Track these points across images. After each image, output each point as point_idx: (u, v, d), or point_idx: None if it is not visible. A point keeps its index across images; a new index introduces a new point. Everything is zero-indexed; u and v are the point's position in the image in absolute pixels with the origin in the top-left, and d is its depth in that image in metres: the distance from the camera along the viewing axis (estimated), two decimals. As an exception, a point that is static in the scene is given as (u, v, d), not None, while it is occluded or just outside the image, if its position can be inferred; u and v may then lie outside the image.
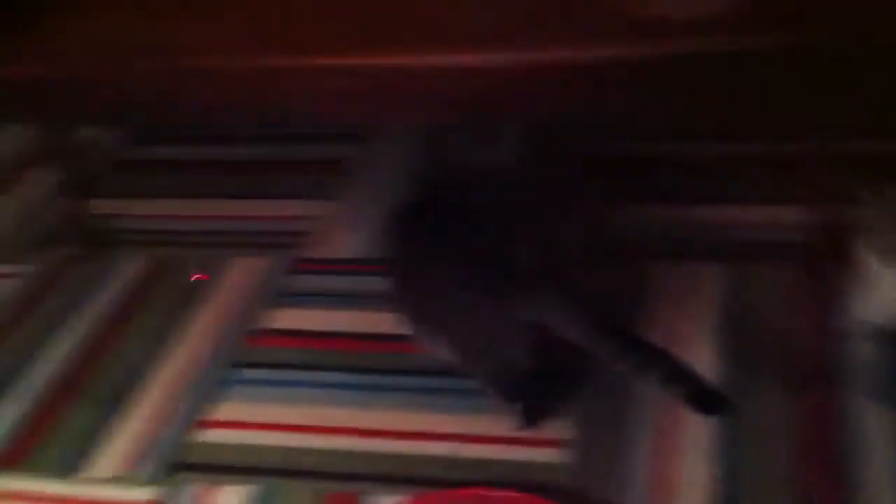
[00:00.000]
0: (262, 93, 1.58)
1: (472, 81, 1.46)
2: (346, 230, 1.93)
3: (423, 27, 1.51)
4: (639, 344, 1.26)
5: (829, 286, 1.56)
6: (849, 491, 1.27)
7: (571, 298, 1.32)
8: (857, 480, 1.28)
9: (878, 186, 1.41)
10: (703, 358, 1.49)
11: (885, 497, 1.25)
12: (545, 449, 1.41)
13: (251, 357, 1.66)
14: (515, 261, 1.37)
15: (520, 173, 1.59)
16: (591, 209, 1.80)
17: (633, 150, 1.99)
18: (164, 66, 1.59)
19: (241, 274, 1.86)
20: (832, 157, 1.61)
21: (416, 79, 1.48)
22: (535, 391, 1.44)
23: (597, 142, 1.98)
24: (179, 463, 1.48)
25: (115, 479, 1.47)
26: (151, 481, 1.45)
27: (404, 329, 1.51)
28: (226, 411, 1.56)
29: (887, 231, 1.38)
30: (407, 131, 2.15)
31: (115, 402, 1.60)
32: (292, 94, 1.57)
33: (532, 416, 1.42)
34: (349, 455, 1.45)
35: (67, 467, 1.50)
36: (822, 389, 1.42)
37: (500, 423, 1.44)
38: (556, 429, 1.43)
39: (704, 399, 1.23)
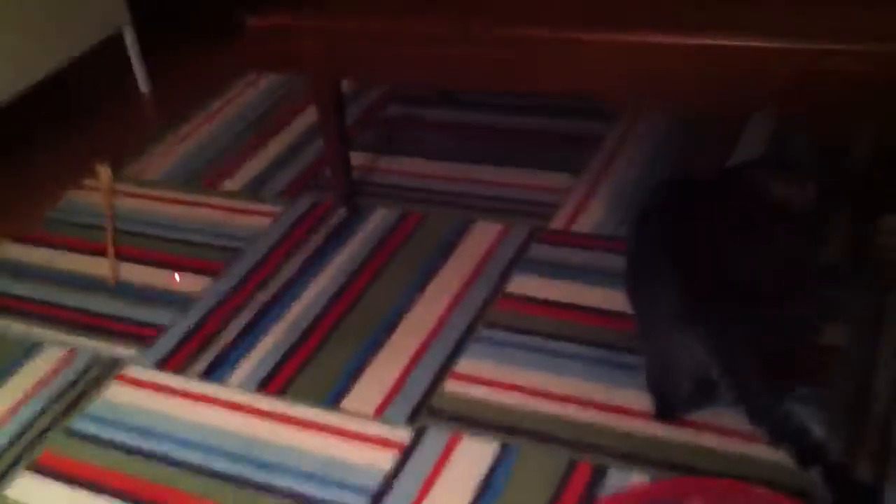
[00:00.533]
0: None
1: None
2: (592, 205, 1.95)
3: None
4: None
5: None
6: None
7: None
8: None
9: None
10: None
11: None
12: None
13: (495, 318, 1.71)
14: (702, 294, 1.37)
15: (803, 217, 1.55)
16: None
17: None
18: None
19: (484, 237, 1.92)
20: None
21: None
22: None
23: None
24: (429, 408, 1.55)
25: (368, 416, 1.55)
26: (403, 423, 1.53)
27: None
28: (472, 366, 1.62)
29: None
30: (663, 115, 2.16)
31: (371, 342, 1.69)
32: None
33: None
34: (596, 428, 1.48)
35: (328, 399, 1.60)
36: None
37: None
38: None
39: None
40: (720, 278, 1.40)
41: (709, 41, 1.53)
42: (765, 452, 1.37)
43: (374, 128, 2.36)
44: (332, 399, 1.60)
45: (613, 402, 1.51)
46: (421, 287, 1.81)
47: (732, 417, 1.41)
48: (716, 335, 1.35)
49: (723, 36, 1.52)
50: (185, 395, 1.66)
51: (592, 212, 1.94)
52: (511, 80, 1.76)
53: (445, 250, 1.89)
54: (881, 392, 1.45)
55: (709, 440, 1.43)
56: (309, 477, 1.47)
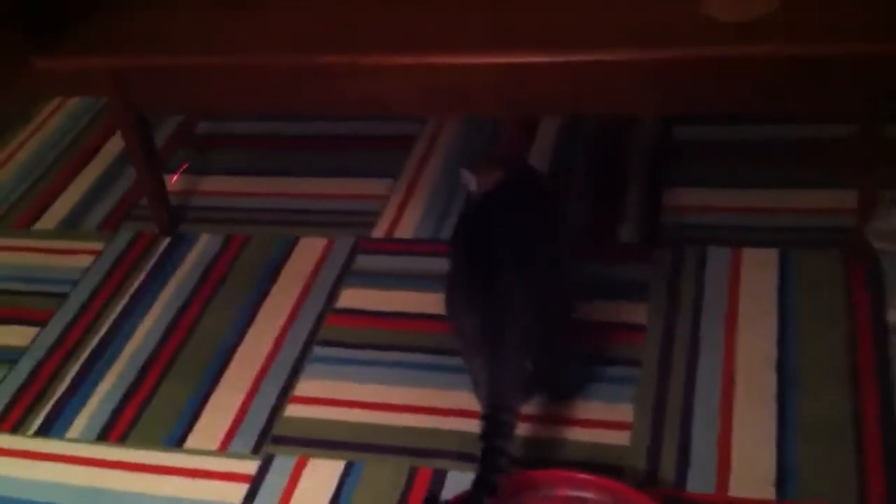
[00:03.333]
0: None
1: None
2: (410, 209, 2.02)
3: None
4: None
5: (879, 273, 1.65)
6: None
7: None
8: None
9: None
10: (763, 341, 1.59)
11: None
12: (613, 432, 1.51)
13: (328, 335, 1.76)
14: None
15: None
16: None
17: (687, 136, 2.07)
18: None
19: (310, 253, 1.95)
20: (878, 141, 1.69)
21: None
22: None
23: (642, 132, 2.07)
24: (273, 436, 1.59)
25: (213, 452, 1.58)
26: (248, 454, 1.56)
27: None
28: (311, 387, 1.67)
29: None
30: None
31: (207, 376, 1.71)
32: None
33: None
34: (433, 433, 1.55)
35: (169, 439, 1.62)
36: (877, 378, 1.51)
37: (569, 406, 1.55)
38: (622, 412, 1.53)
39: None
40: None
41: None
42: (589, 437, 1.49)
43: (188, 147, 2.34)
44: (175, 439, 1.62)
45: (448, 405, 1.59)
46: (253, 312, 1.83)
47: (560, 406, 1.53)
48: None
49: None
50: (24, 454, 1.64)
51: (412, 215, 2.01)
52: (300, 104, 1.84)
53: (273, 271, 1.92)
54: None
55: (529, 430, 1.53)
56: (160, 522, 1.50)
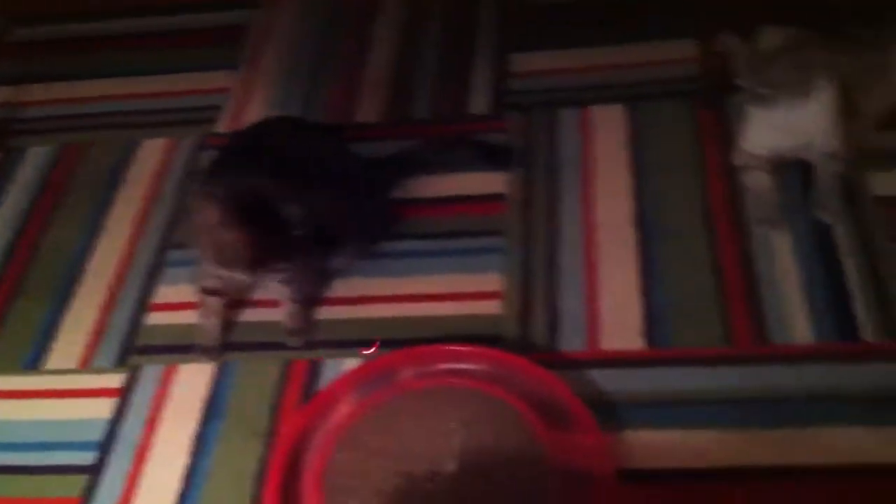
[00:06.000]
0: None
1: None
2: (254, 101, 1.94)
3: None
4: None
5: (725, 118, 1.68)
6: (763, 309, 1.43)
7: None
8: (771, 301, 1.44)
9: (751, 30, 1.52)
10: (620, 197, 1.61)
11: (797, 314, 1.42)
12: (484, 302, 1.51)
13: (182, 238, 1.68)
14: None
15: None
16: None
17: None
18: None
19: (153, 156, 1.86)
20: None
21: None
22: None
23: None
24: (138, 347, 1.53)
25: (75, 370, 1.51)
26: (113, 368, 1.50)
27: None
28: (170, 293, 1.61)
29: (755, 75, 1.51)
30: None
31: (60, 293, 1.63)
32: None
33: None
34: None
35: (28, 362, 1.54)
36: (732, 220, 1.56)
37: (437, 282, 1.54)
38: (491, 282, 1.53)
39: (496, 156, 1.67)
40: None
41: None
42: (463, 309, 1.49)
43: (10, 56, 2.17)
44: (32, 361, 1.54)
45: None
46: (99, 223, 1.74)
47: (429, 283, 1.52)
48: None
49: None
50: None
51: (256, 105, 1.93)
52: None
53: (116, 178, 1.82)
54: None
55: (399, 310, 1.52)
56: (28, 447, 1.43)
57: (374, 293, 1.55)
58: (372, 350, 1.45)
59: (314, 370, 1.46)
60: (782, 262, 1.48)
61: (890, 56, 1.59)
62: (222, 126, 1.89)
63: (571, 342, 1.44)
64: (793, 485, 1.24)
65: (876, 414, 1.29)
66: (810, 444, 1.27)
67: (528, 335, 1.46)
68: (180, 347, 1.52)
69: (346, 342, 1.49)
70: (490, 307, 1.50)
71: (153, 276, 1.64)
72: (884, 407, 1.29)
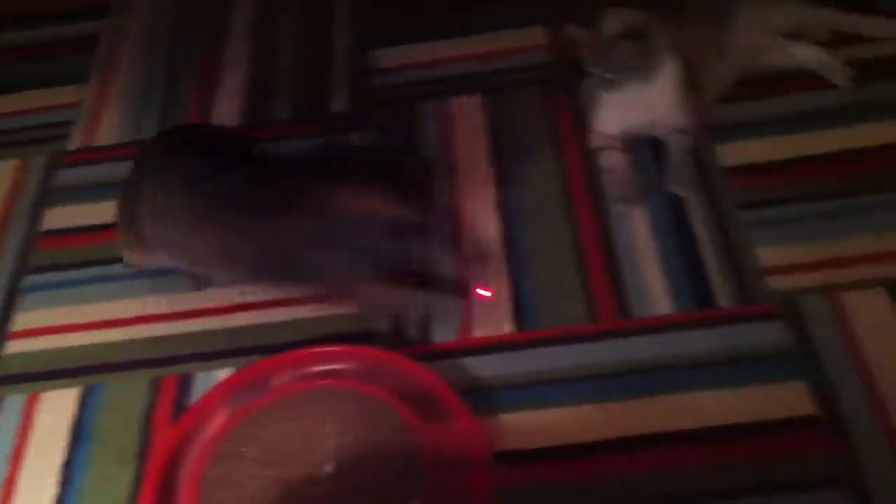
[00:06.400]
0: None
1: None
2: (107, 113, 1.89)
3: None
4: None
5: (579, 102, 1.72)
6: (625, 285, 1.47)
7: None
8: (632, 276, 1.48)
9: (596, 16, 1.56)
10: (484, 186, 1.63)
11: (656, 286, 1.46)
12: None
13: (39, 261, 1.63)
14: None
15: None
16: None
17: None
18: None
19: (3, 177, 1.79)
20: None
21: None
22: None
23: None
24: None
25: (-68, 408, 1.45)
26: (-28, 402, 1.45)
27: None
28: (30, 319, 1.55)
29: (600, 61, 1.55)
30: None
31: None
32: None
33: None
34: (171, 339, 1.49)
35: None
36: (591, 201, 1.59)
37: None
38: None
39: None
40: None
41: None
42: (327, 310, 1.48)
43: None
44: None
45: (180, 308, 1.53)
46: (-51, 251, 1.67)
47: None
48: None
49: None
50: None
51: (109, 119, 1.88)
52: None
53: (-36, 202, 1.75)
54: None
55: (268, 316, 1.50)
56: None
57: (242, 300, 1.52)
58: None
59: (184, 384, 1.43)
60: (640, 238, 1.52)
61: (727, 32, 1.66)
62: (76, 142, 1.83)
63: (444, 333, 1.45)
64: (659, 451, 1.27)
65: (732, 375, 1.33)
66: (673, 411, 1.31)
67: (400, 329, 1.46)
68: (42, 374, 1.47)
69: (216, 353, 1.46)
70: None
71: (10, 303, 1.57)
72: (738, 368, 1.34)
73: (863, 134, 1.60)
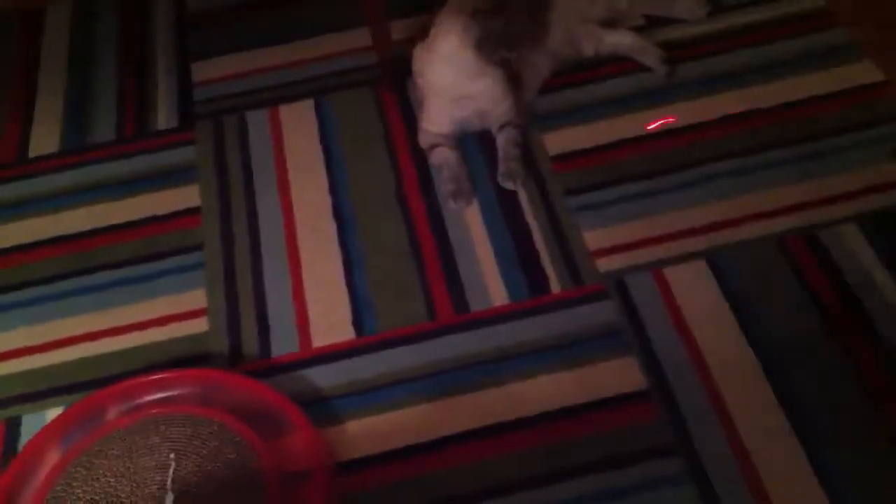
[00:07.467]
0: None
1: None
2: (35, 127, 1.80)
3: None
4: None
5: (407, 101, 1.71)
6: (461, 281, 1.48)
7: None
8: (468, 271, 1.49)
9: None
10: (317, 192, 1.61)
11: (492, 279, 1.47)
12: (189, 321, 1.47)
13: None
14: None
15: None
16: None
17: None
18: None
19: None
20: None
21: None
22: None
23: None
24: None
25: None
26: None
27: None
28: None
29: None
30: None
31: None
32: None
33: None
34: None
35: None
36: (424, 199, 1.59)
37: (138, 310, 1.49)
38: (195, 298, 1.49)
39: None
40: None
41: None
42: (164, 334, 1.44)
43: None
44: None
45: (5, 348, 1.46)
46: None
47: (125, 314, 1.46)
48: None
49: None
50: None
51: (39, 133, 1.79)
52: None
53: None
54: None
55: (97, 348, 1.45)
56: None
57: (68, 334, 1.47)
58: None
59: (12, 429, 1.36)
60: (474, 233, 1.53)
61: (545, 23, 1.68)
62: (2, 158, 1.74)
63: (284, 345, 1.43)
64: (505, 438, 1.29)
65: (568, 357, 1.36)
66: (515, 399, 1.33)
67: (238, 347, 1.43)
68: None
69: (44, 392, 1.40)
70: (196, 325, 1.46)
71: None
72: (572, 349, 1.37)
73: (676, 111, 1.65)
